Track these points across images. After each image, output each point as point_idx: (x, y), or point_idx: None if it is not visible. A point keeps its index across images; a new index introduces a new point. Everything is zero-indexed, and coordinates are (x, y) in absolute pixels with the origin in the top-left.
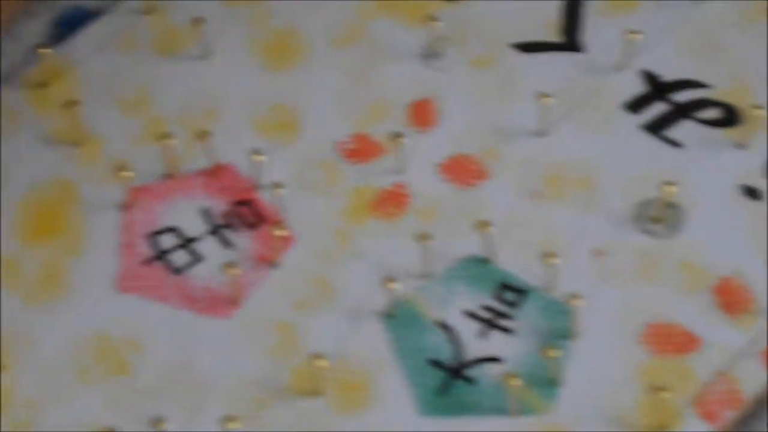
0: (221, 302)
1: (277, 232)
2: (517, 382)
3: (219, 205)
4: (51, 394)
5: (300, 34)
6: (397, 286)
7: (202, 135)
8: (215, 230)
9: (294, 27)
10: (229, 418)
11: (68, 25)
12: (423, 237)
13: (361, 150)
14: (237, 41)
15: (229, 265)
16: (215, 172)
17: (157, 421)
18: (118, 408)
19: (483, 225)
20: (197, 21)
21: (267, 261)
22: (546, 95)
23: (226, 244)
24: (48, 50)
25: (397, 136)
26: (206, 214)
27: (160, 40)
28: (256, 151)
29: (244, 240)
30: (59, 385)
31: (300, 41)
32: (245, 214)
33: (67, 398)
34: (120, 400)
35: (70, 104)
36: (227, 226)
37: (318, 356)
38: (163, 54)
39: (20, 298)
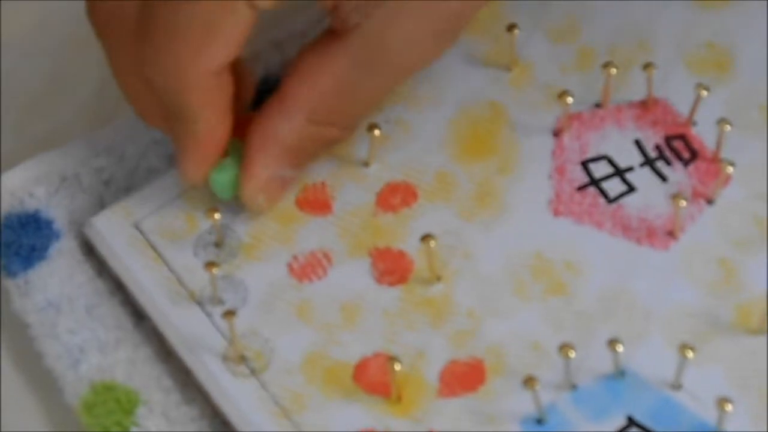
0: (658, 233)
1: (722, 169)
2: None
3: (650, 137)
4: (490, 307)
5: None
6: None
7: (647, 66)
8: (648, 162)
9: None
10: (686, 346)
11: None
12: None
13: None
14: None
15: (677, 195)
16: (648, 105)
17: (613, 342)
18: (559, 327)
19: None
20: None
21: (703, 196)
22: None
23: (660, 176)
24: None
25: None
26: (638, 145)
27: None
28: (701, 86)
29: (678, 174)
30: (498, 299)
31: None
32: (680, 148)
33: (507, 312)
34: (560, 320)
35: (511, 28)
36: (660, 158)
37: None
38: None
39: (454, 211)
